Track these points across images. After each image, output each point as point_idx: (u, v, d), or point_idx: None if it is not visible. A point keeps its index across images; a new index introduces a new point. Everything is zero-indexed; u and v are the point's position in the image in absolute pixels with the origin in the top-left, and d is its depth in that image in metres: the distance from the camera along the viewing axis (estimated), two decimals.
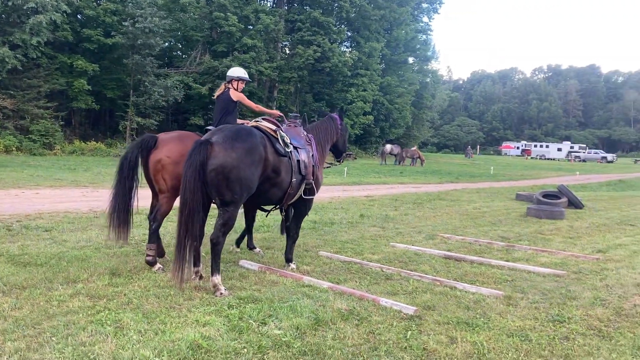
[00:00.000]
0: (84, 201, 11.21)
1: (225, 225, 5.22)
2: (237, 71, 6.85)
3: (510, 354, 3.88)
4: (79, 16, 32.77)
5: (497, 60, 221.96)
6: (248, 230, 7.39)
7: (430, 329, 4.32)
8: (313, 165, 6.34)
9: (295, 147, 6.05)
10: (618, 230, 10.46)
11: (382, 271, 6.33)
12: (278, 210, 6.73)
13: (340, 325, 4.30)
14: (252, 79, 38.92)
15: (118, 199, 5.91)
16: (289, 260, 6.45)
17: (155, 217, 6.05)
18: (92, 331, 3.92)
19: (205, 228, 5.87)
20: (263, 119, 6.19)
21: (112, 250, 6.73)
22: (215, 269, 5.17)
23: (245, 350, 3.72)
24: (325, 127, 7.09)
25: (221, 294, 5.01)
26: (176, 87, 33.57)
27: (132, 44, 31.24)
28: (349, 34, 50.49)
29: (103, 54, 33.40)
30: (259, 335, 4.00)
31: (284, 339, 3.92)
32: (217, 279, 5.14)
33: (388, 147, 40.39)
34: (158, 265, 5.95)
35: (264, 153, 5.39)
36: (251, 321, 4.26)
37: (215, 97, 6.90)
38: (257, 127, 5.79)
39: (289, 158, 5.84)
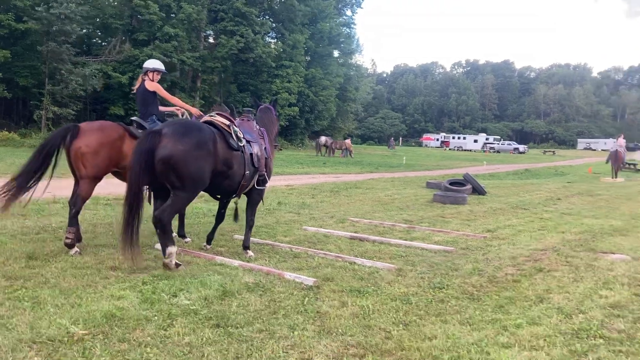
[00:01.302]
0: None
1: (173, 206, 5.49)
2: (152, 63, 7.12)
3: (391, 314, 4.51)
4: None
5: (419, 54, 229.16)
6: (181, 218, 7.51)
7: (325, 296, 4.89)
8: (266, 158, 6.60)
9: (248, 141, 6.29)
10: (511, 213, 11.54)
11: (291, 251, 6.86)
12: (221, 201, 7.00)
13: (245, 295, 4.79)
14: (175, 68, 38.48)
15: (27, 174, 6.03)
16: (246, 247, 6.62)
17: (76, 201, 6.26)
18: (9, 306, 4.19)
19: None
20: (217, 114, 6.34)
21: (29, 237, 6.87)
22: (166, 241, 5.51)
23: (156, 317, 4.12)
24: (269, 118, 7.34)
25: (176, 264, 5.49)
26: (95, 76, 32.72)
27: (46, 30, 30.13)
28: (274, 25, 50.74)
29: (15, 40, 31.96)
30: (170, 305, 4.41)
31: (192, 308, 4.36)
32: (173, 248, 5.50)
33: (323, 138, 41.98)
34: (75, 248, 6.15)
35: (213, 148, 5.62)
36: (163, 294, 4.66)
37: (134, 91, 7.13)
38: (211, 123, 6.01)
39: (242, 152, 6.09)
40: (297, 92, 48.39)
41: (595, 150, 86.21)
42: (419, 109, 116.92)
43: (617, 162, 23.91)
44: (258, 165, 6.38)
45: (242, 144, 6.12)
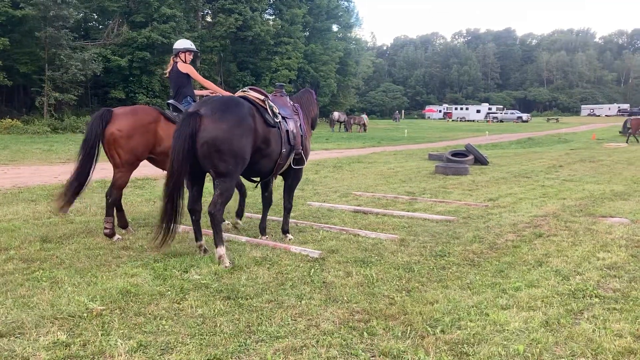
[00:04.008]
0: (6, 178, 11.23)
1: (222, 196, 5.23)
2: (182, 43, 6.84)
3: (394, 282, 4.69)
4: None
5: (418, 25, 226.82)
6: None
7: (331, 267, 5.07)
8: (301, 135, 6.18)
9: (283, 117, 5.90)
10: (513, 182, 11.66)
11: (297, 226, 7.03)
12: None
13: (253, 269, 4.97)
14: None
15: (79, 172, 6.07)
16: (285, 231, 6.37)
17: (111, 191, 6.16)
18: (29, 286, 4.39)
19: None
20: (250, 88, 6.05)
21: (41, 221, 7.05)
22: (218, 240, 5.18)
23: (169, 292, 4.31)
24: (307, 98, 6.87)
25: (225, 266, 5.02)
26: (94, 60, 32.68)
27: (43, 15, 30.03)
28: (271, 1, 50.36)
29: (12, 27, 31.84)
30: (181, 280, 4.60)
31: (203, 282, 4.54)
32: (222, 250, 5.16)
33: (336, 114, 42.24)
34: (117, 236, 6.12)
35: (253, 124, 5.32)
36: (174, 270, 4.85)
37: (166, 75, 6.90)
38: (244, 97, 5.65)
39: (278, 128, 5.74)
40: (296, 68, 48.27)
41: (599, 116, 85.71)
42: (421, 81, 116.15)
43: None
44: (294, 143, 6.00)
45: (278, 120, 5.76)
